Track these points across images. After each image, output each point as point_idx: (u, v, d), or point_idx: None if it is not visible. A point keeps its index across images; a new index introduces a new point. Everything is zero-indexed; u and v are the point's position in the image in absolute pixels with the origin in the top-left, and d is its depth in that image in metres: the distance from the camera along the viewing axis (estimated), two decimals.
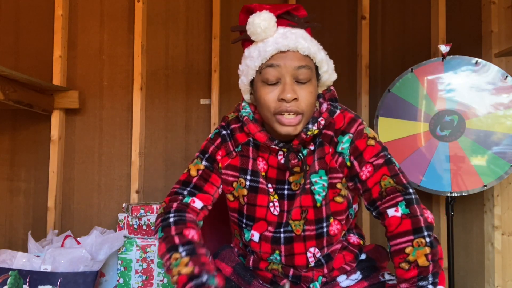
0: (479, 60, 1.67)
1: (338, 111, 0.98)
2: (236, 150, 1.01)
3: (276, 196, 0.98)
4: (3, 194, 2.07)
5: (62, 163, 2.06)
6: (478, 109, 1.67)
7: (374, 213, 0.95)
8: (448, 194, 1.69)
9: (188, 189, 1.00)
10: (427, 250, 0.85)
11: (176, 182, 1.03)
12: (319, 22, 1.04)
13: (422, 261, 0.84)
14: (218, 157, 1.02)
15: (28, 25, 2.12)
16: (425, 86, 1.73)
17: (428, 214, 0.89)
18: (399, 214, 0.88)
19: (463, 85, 1.69)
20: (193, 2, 2.15)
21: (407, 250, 0.86)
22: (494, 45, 1.95)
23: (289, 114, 0.89)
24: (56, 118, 2.01)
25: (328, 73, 0.96)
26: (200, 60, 2.13)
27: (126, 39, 2.12)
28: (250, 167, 0.99)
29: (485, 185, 1.65)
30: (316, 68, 0.95)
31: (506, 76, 1.64)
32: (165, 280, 1.64)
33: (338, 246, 1.00)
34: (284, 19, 0.94)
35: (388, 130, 1.76)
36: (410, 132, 1.74)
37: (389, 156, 0.95)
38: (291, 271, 0.97)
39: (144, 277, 1.64)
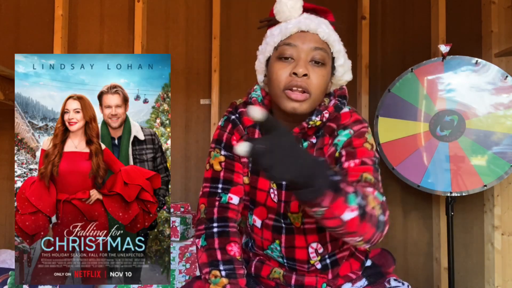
0: (479, 60, 1.67)
1: (346, 109, 0.96)
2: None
3: (274, 185, 0.96)
4: (3, 194, 2.07)
5: None
6: (478, 109, 1.67)
7: None
8: (448, 194, 1.69)
9: (220, 185, 0.98)
10: (375, 202, 0.77)
11: (203, 180, 1.01)
12: None
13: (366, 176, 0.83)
14: (234, 143, 0.99)
15: (28, 25, 2.12)
16: (425, 86, 1.73)
17: (386, 216, 0.79)
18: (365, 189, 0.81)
19: (463, 85, 1.69)
20: (193, 2, 2.15)
21: (360, 177, 0.83)
22: (494, 45, 1.95)
23: (297, 89, 0.89)
24: None
25: (344, 68, 0.96)
26: (200, 60, 2.13)
27: (126, 39, 2.12)
28: None
29: (485, 185, 1.65)
30: (333, 60, 0.94)
31: (506, 76, 1.64)
32: None
33: (346, 253, 0.99)
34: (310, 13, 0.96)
35: (388, 130, 1.76)
36: (410, 132, 1.74)
37: (377, 166, 0.91)
38: (293, 279, 0.96)
39: None
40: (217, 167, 0.99)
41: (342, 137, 0.93)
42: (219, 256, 0.92)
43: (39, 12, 2.12)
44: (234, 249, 0.94)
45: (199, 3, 2.14)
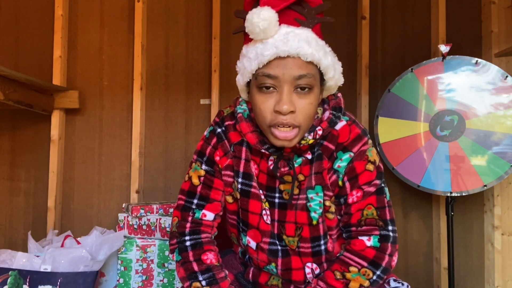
0: (479, 60, 1.67)
1: (344, 121, 0.91)
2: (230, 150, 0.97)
3: (267, 204, 0.93)
4: (3, 194, 2.07)
5: (62, 163, 2.05)
6: (478, 109, 1.67)
7: (344, 234, 0.95)
8: (448, 194, 1.69)
9: (195, 201, 0.97)
10: (366, 283, 0.87)
11: (179, 191, 1.01)
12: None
13: (353, 286, 0.87)
14: (217, 158, 0.97)
15: (28, 25, 2.11)
16: (425, 86, 1.73)
17: (395, 259, 0.91)
18: (369, 243, 0.90)
19: (463, 85, 1.69)
20: (193, 2, 2.15)
21: (352, 269, 0.88)
22: (494, 45, 1.95)
23: (284, 127, 0.82)
24: (56, 118, 2.01)
25: (335, 78, 0.88)
26: (200, 60, 2.13)
27: (126, 39, 2.12)
28: (241, 169, 0.94)
29: (485, 185, 1.65)
30: (322, 74, 0.86)
31: (506, 76, 1.64)
32: (165, 280, 1.64)
33: None
34: (292, 10, 0.84)
35: (388, 130, 1.76)
36: (410, 132, 1.74)
37: (382, 185, 0.92)
38: None
39: (144, 277, 1.63)
40: (195, 180, 0.98)
41: (343, 162, 0.90)
42: (195, 268, 0.91)
43: (39, 12, 2.12)
44: (210, 257, 0.93)
45: (199, 3, 2.14)
